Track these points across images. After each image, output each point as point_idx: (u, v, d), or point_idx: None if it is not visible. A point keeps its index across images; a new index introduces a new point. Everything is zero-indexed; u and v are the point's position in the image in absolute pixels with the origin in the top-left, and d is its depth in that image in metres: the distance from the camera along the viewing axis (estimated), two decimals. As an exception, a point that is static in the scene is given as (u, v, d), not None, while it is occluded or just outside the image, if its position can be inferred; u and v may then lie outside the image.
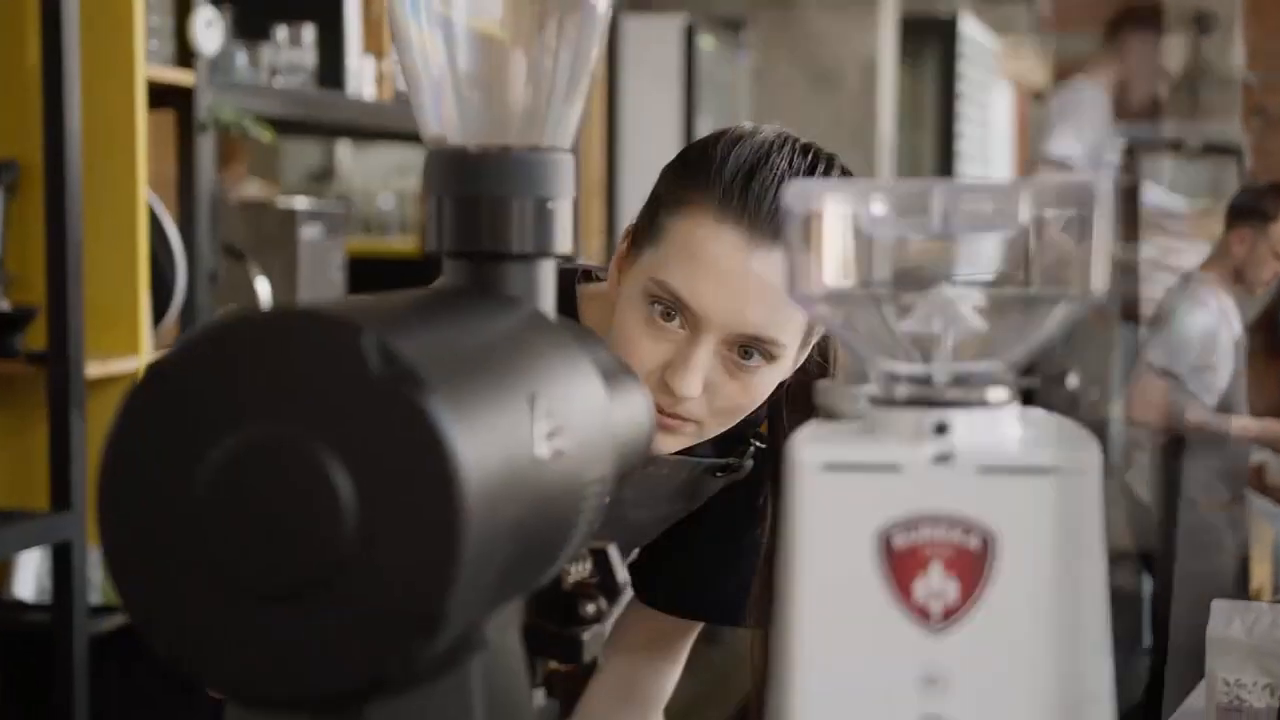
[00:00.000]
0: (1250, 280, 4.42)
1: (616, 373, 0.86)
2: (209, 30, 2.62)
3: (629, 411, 0.85)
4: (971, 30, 7.51)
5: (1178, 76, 4.61)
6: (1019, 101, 9.61)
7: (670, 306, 1.26)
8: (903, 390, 0.72)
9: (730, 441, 1.41)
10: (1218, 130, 9.45)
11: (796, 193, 0.72)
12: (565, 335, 0.79)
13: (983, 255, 0.75)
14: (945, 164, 7.40)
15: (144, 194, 2.49)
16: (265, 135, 2.71)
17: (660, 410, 1.27)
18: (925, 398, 0.71)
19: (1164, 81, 4.53)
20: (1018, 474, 0.68)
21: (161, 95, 2.62)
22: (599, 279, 1.43)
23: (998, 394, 0.72)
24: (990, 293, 0.72)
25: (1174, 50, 4.55)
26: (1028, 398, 0.74)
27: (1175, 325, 4.29)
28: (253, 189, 3.69)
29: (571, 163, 0.84)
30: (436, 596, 0.61)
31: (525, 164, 0.82)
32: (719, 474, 1.43)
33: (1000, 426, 0.71)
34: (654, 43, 5.02)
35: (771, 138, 1.29)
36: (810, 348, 1.34)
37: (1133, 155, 4.63)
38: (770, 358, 1.27)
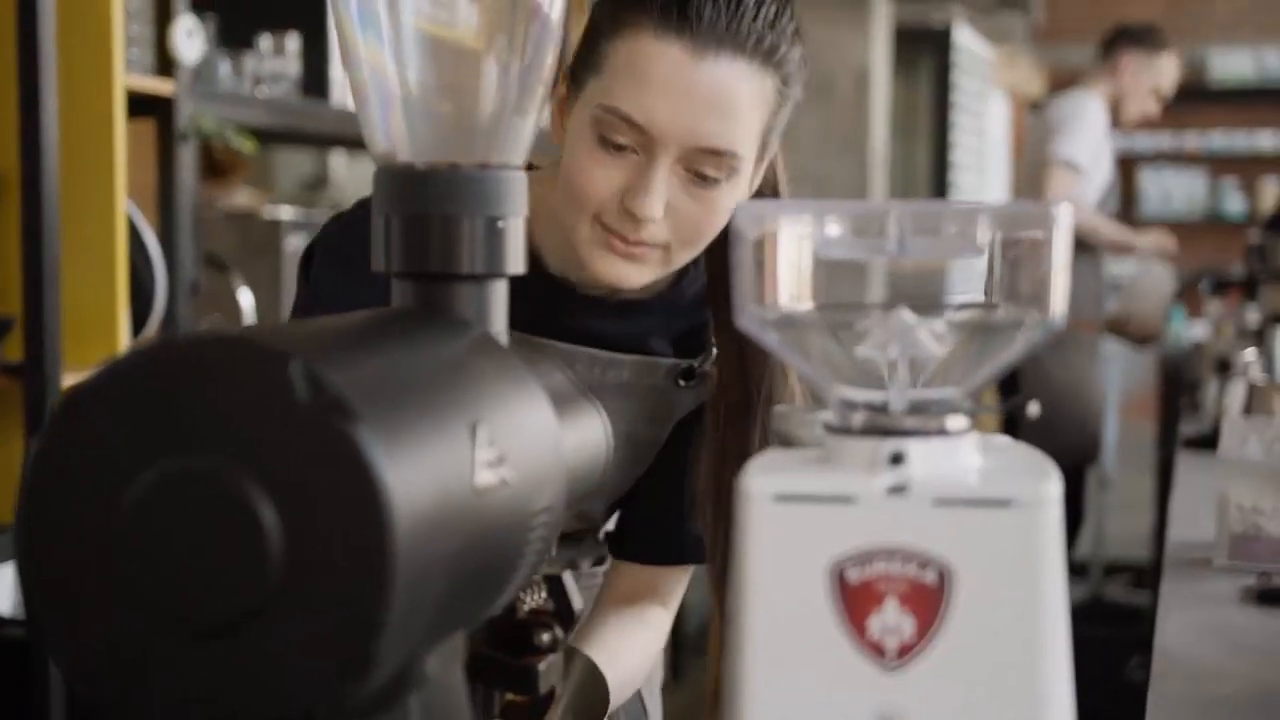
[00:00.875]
0: (1123, 111, 4.54)
1: (569, 396, 0.84)
2: (190, 39, 2.59)
3: (581, 435, 0.83)
4: (966, 40, 7.49)
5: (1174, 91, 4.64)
6: (1014, 111, 9.60)
7: (620, 132, 1.23)
8: (859, 418, 0.70)
9: (690, 348, 1.41)
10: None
11: (748, 214, 0.70)
12: (514, 360, 0.76)
13: (946, 279, 0.72)
14: (940, 174, 7.39)
15: (123, 204, 2.46)
16: (247, 145, 2.69)
17: (624, 239, 1.26)
18: (881, 426, 0.69)
19: (1159, 99, 4.54)
20: (975, 506, 0.66)
21: (142, 104, 2.59)
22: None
23: (956, 422, 0.69)
24: (949, 319, 0.70)
25: (1169, 67, 4.55)
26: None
27: (1079, 120, 4.41)
28: (244, 198, 3.66)
29: (524, 180, 0.82)
30: (367, 634, 0.59)
31: (475, 181, 0.80)
32: (682, 382, 1.40)
33: (958, 456, 0.69)
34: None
35: None
36: (765, 164, 1.32)
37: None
38: (729, 172, 1.24)
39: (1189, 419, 3.67)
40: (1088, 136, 4.39)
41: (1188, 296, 9.94)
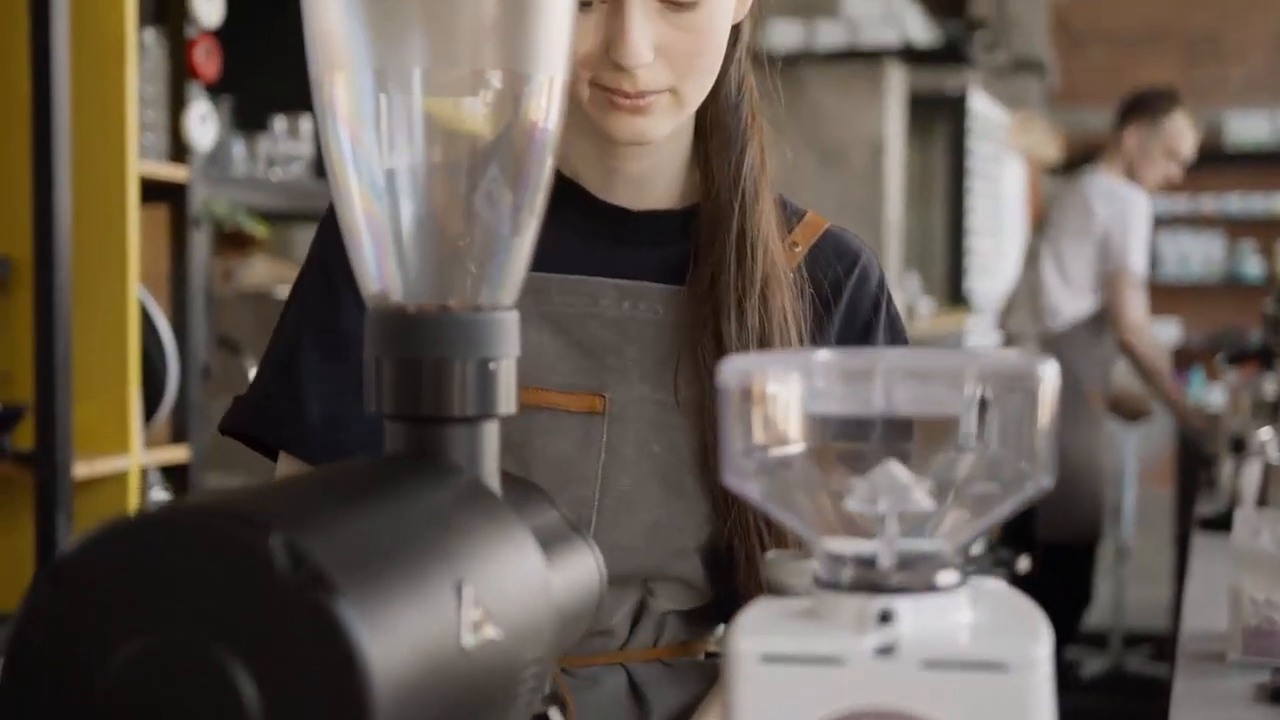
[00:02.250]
0: (1141, 179, 4.52)
1: (560, 534, 0.84)
2: (203, 125, 2.61)
3: (572, 576, 0.82)
4: (981, 106, 7.51)
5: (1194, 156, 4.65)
6: (1031, 174, 9.61)
7: None
8: (847, 574, 0.69)
9: None
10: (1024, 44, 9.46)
11: (733, 370, 0.69)
12: (502, 507, 0.76)
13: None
14: (956, 240, 7.39)
15: (135, 290, 2.48)
16: (259, 230, 2.70)
17: (625, 94, 1.17)
18: (870, 582, 0.69)
19: (1177, 162, 4.54)
20: (965, 670, 0.65)
21: (156, 190, 2.61)
22: None
23: (946, 577, 0.69)
24: (937, 475, 0.69)
25: (1178, 129, 4.55)
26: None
27: (1137, 224, 4.40)
28: (260, 268, 3.67)
29: (516, 320, 0.82)
30: (348, 808, 0.58)
31: (467, 325, 0.79)
32: None
33: (948, 613, 0.68)
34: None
35: None
36: None
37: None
38: None
39: (1205, 497, 3.65)
40: (1146, 240, 4.44)
41: (1206, 360, 9.92)
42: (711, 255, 1.24)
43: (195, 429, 2.68)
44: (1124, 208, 4.45)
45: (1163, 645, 5.36)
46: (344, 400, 1.20)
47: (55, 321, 2.33)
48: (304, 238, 3.93)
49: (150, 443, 2.62)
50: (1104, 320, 4.51)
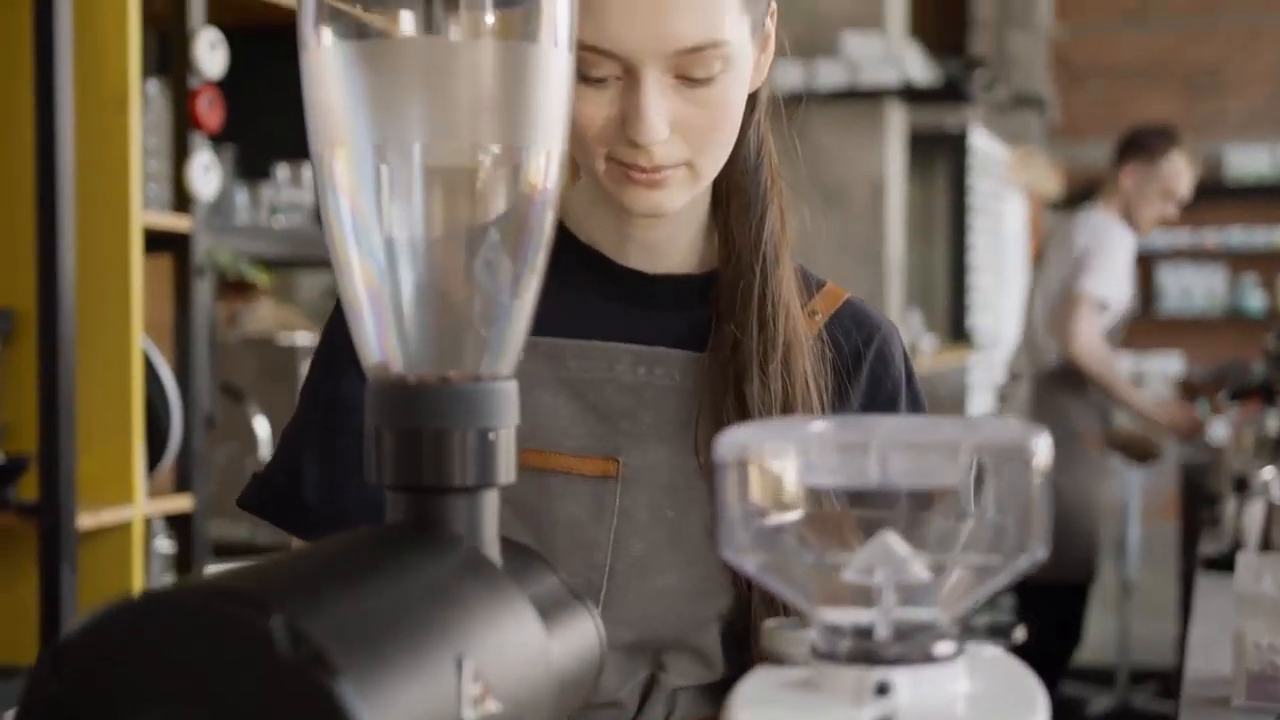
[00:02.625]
0: (1138, 219, 4.52)
1: (560, 602, 0.84)
2: (206, 175, 2.63)
3: (572, 643, 0.83)
4: (981, 142, 7.54)
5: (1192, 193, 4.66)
6: (1032, 209, 9.64)
7: (594, 65, 1.13)
8: (844, 645, 0.70)
9: None
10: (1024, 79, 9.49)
11: (728, 445, 0.70)
12: (502, 577, 0.76)
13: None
14: (958, 276, 7.41)
15: (139, 341, 2.48)
16: (261, 279, 2.71)
17: (641, 169, 1.16)
18: (867, 654, 0.69)
19: (1173, 202, 4.55)
20: (961, 742, 0.66)
21: (159, 239, 2.62)
22: None
23: (943, 648, 0.69)
24: (934, 546, 0.70)
25: (1174, 169, 4.56)
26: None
27: (1107, 254, 4.40)
28: (265, 312, 3.69)
29: (515, 390, 0.83)
30: None
31: (466, 395, 0.80)
32: None
33: (946, 684, 0.69)
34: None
35: None
36: (769, 29, 1.23)
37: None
38: (722, 63, 1.14)
39: (1209, 536, 3.65)
40: (1115, 270, 4.42)
41: (1209, 394, 9.92)
42: (734, 319, 1.23)
43: (199, 478, 2.69)
44: (1102, 237, 4.47)
45: (1169, 682, 5.35)
46: (341, 475, 1.21)
47: (59, 373, 2.34)
48: (307, 283, 3.96)
49: (154, 492, 2.62)
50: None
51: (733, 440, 0.70)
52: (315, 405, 1.27)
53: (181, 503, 2.69)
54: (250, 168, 2.97)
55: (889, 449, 0.69)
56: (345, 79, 0.79)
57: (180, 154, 2.63)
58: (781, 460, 0.70)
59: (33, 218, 2.36)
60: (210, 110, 2.61)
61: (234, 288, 3.46)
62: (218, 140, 2.78)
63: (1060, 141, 10.21)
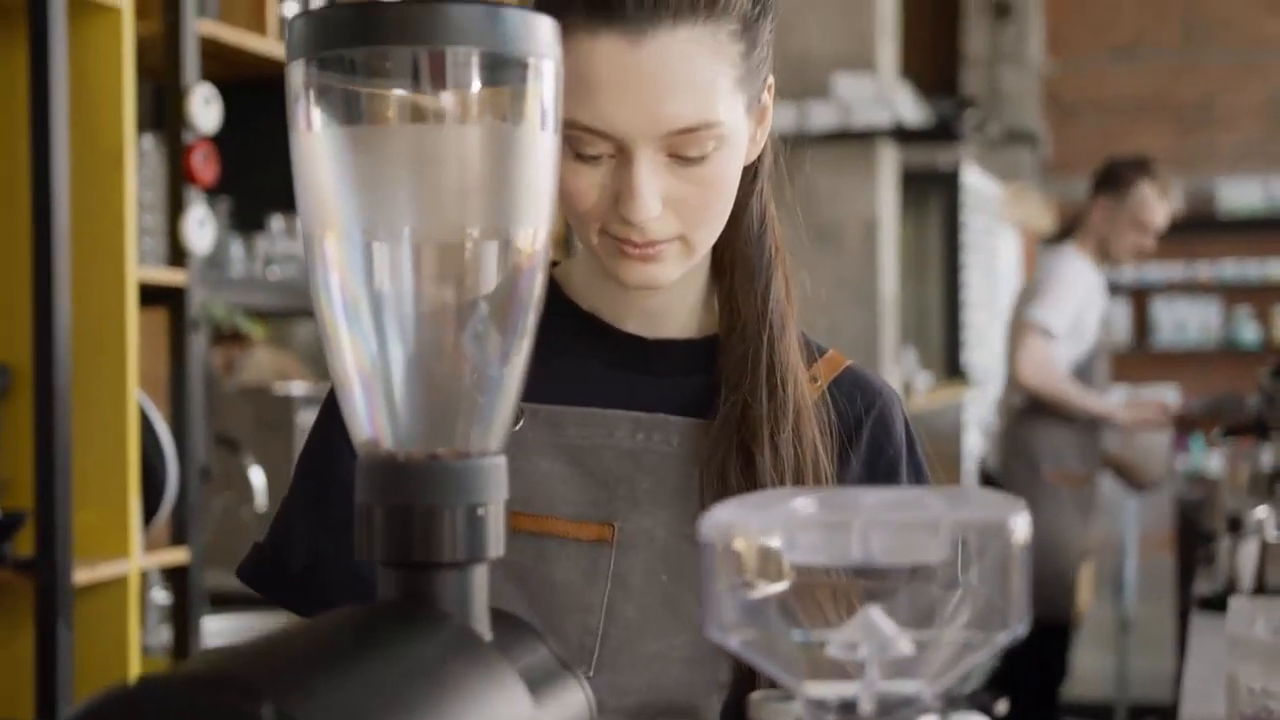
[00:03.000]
0: (1113, 251, 4.50)
1: (550, 673, 0.85)
2: (201, 229, 2.64)
3: (561, 716, 0.84)
4: (974, 179, 7.57)
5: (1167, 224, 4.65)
6: (1026, 245, 9.67)
7: (588, 143, 1.15)
8: (829, 719, 0.71)
9: None
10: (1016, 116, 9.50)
11: (713, 524, 0.71)
12: (491, 652, 0.77)
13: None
14: (951, 312, 7.43)
15: (134, 396, 2.50)
16: (257, 332, 2.73)
17: (633, 244, 1.17)
18: (852, 729, 0.70)
19: (1147, 232, 4.53)
20: (944, 818, 0.67)
21: (154, 293, 2.63)
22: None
23: (926, 722, 0.70)
24: (917, 624, 0.71)
25: (1143, 199, 4.54)
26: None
27: (1058, 282, 4.40)
28: (262, 357, 3.70)
29: (503, 465, 0.84)
30: None
31: (455, 472, 0.81)
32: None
33: (929, 759, 0.70)
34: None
35: None
36: (764, 106, 1.23)
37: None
38: (715, 141, 1.15)
39: (1204, 574, 3.65)
40: (1064, 300, 4.40)
41: (1205, 427, 9.93)
42: (742, 387, 1.24)
43: (195, 530, 2.69)
44: (1056, 268, 4.47)
45: (1167, 718, 5.34)
46: (332, 551, 1.21)
47: (55, 428, 2.35)
48: (303, 332, 3.97)
49: (150, 545, 2.63)
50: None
51: (717, 519, 0.72)
52: (308, 480, 1.29)
53: (178, 555, 2.70)
54: (245, 219, 2.99)
55: (871, 527, 0.70)
56: (335, 163, 0.81)
57: (175, 208, 2.65)
58: (766, 539, 0.72)
59: (29, 273, 2.38)
60: (205, 165, 2.63)
61: (231, 335, 3.47)
62: (212, 193, 2.80)
63: (1053, 176, 10.26)
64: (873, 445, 1.30)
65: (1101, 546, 7.44)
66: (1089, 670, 6.67)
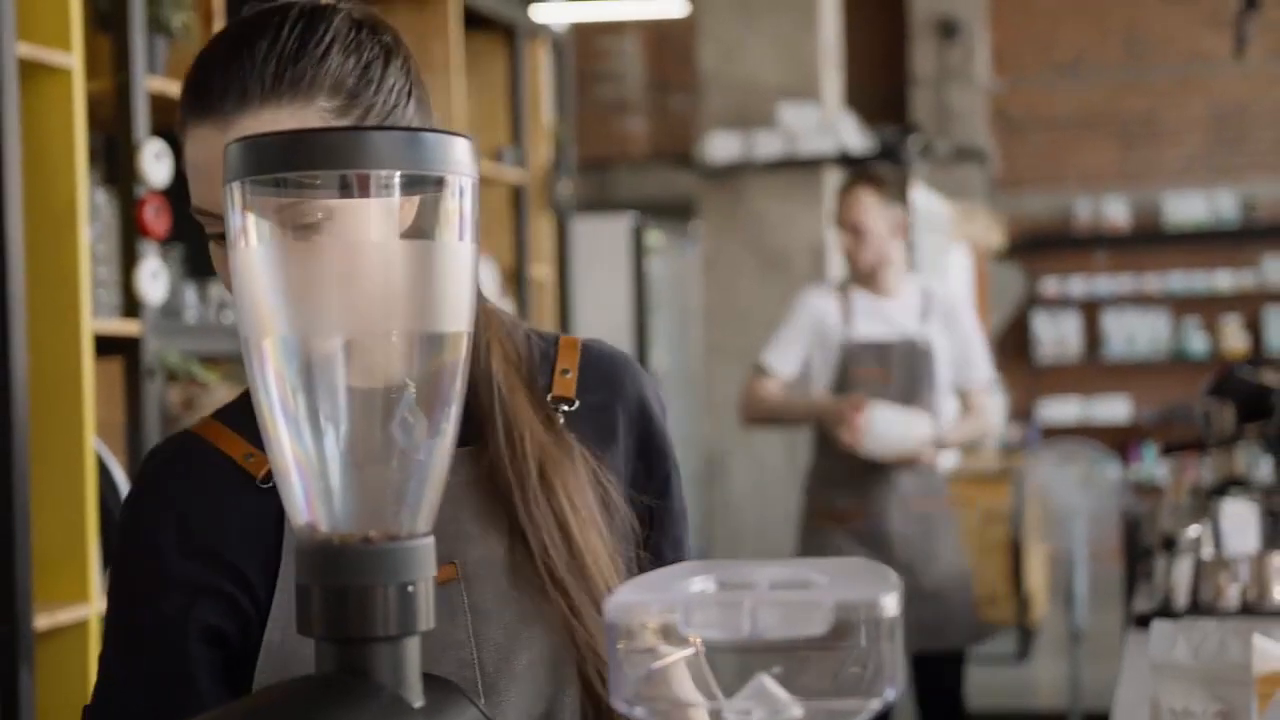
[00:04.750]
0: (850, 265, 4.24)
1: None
2: (154, 280, 2.70)
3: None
4: (923, 200, 7.67)
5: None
6: (977, 262, 9.80)
7: (210, 224, 1.21)
8: (725, 783, 0.78)
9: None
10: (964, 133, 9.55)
11: (616, 605, 0.79)
12: (420, 718, 0.85)
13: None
14: (903, 331, 7.51)
15: (91, 444, 2.55)
16: (211, 378, 2.79)
17: None
18: (745, 790, 0.78)
19: (843, 230, 4.16)
20: None
21: (109, 344, 2.69)
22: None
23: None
24: (805, 690, 0.79)
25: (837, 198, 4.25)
26: None
27: (785, 322, 4.19)
28: (221, 395, 3.74)
29: (431, 545, 0.91)
30: None
31: (386, 554, 0.89)
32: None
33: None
34: (605, 241, 5.15)
35: (235, 19, 1.27)
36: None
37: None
38: (326, 212, 1.15)
39: (1144, 590, 3.74)
40: (781, 335, 4.20)
41: (1156, 436, 10.08)
42: (488, 450, 1.28)
43: (154, 572, 2.75)
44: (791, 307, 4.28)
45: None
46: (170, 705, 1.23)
47: (14, 477, 2.40)
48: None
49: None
50: (823, 434, 4.21)
51: (620, 600, 0.79)
52: (125, 635, 1.26)
53: (137, 597, 2.75)
54: (198, 266, 3.05)
55: (760, 606, 0.78)
56: (270, 275, 0.88)
57: (128, 260, 2.71)
58: (664, 617, 0.79)
59: (-15, 326, 2.43)
60: (157, 218, 2.70)
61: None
62: (165, 243, 2.86)
63: (1002, 193, 10.39)
64: (643, 415, 1.37)
65: (1051, 556, 7.54)
66: (1043, 680, 6.77)
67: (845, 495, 4.18)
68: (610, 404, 1.35)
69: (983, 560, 7.30)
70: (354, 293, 0.88)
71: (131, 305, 2.71)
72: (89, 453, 2.54)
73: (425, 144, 0.89)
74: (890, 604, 0.77)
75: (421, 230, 0.89)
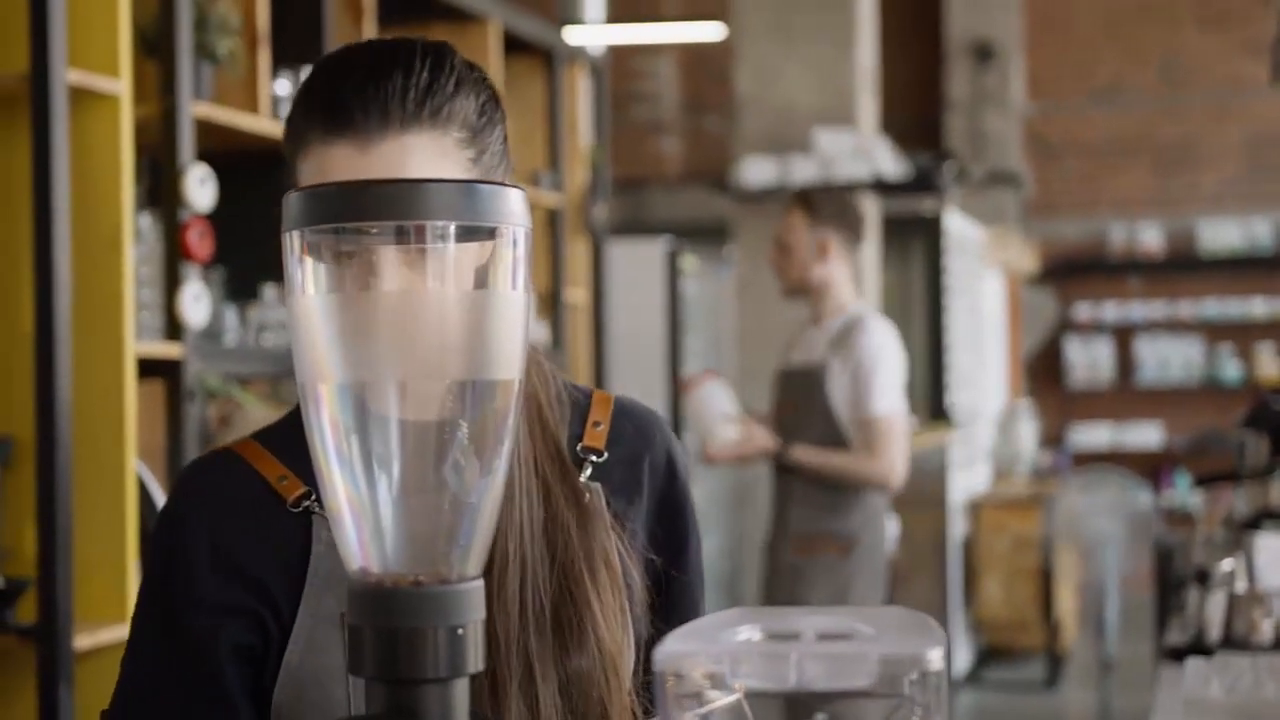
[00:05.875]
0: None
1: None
2: (196, 304, 2.73)
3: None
4: (956, 224, 7.67)
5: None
6: (1010, 287, 9.78)
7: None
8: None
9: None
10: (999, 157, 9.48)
11: (665, 654, 0.80)
12: (471, 763, 0.86)
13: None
14: (935, 356, 7.52)
15: (133, 466, 2.58)
16: (249, 400, 2.82)
17: None
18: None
19: (774, 248, 4.11)
20: None
21: (151, 366, 2.72)
22: None
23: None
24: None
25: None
26: None
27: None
28: (257, 413, 3.77)
29: (480, 588, 0.93)
30: None
31: (437, 597, 0.90)
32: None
33: None
34: (640, 264, 5.17)
35: (355, 45, 1.29)
36: None
37: None
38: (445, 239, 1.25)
39: (1176, 623, 3.73)
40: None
41: (1189, 463, 10.04)
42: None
43: (191, 593, 2.78)
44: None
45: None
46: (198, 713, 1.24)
47: (57, 498, 2.43)
48: (295, 392, 4.06)
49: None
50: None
51: (667, 651, 0.81)
52: (157, 641, 1.29)
53: (175, 617, 2.78)
54: (239, 289, 3.08)
55: (806, 658, 0.79)
56: (327, 322, 0.90)
57: (172, 284, 2.74)
58: (711, 667, 0.81)
59: (31, 349, 2.46)
60: (201, 242, 2.73)
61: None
62: (206, 265, 2.89)
63: (1036, 217, 10.37)
64: (669, 474, 1.38)
65: (1081, 583, 7.50)
66: (1073, 709, 6.75)
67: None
68: (638, 460, 1.37)
69: (1013, 586, 7.29)
70: (409, 341, 0.90)
71: (174, 328, 2.74)
72: (131, 474, 2.57)
73: (480, 195, 0.90)
74: (936, 657, 0.78)
75: (476, 279, 0.91)
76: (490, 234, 0.91)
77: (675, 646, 0.81)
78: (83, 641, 2.48)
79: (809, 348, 4.06)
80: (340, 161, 1.22)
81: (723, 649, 0.81)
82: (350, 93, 1.23)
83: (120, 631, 2.57)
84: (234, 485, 1.30)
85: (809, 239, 4.01)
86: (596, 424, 1.37)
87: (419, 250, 0.89)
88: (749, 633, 0.83)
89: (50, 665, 2.39)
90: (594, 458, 1.34)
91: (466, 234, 0.90)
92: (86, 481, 2.54)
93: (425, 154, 1.23)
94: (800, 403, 4.01)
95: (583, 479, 1.32)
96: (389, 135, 1.22)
